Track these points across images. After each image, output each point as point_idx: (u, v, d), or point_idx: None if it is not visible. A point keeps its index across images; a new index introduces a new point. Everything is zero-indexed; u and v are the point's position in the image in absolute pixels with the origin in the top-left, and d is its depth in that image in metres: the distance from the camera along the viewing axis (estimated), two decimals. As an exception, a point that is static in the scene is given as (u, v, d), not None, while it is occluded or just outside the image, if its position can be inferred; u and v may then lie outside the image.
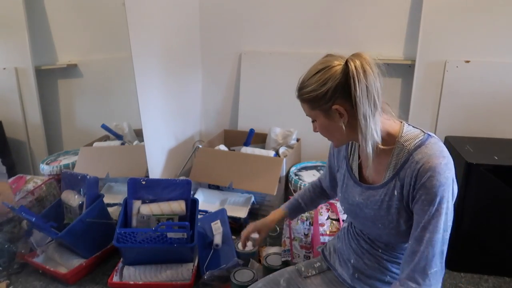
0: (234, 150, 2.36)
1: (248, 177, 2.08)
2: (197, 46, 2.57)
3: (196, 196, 2.10)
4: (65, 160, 2.30)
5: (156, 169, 2.15)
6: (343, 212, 1.60)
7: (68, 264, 1.64)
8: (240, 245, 1.42)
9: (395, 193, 0.90)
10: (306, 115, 0.97)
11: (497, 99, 2.03)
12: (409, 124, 0.93)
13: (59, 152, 2.45)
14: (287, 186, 2.19)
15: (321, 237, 1.54)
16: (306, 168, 2.30)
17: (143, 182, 1.66)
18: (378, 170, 0.95)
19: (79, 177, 1.73)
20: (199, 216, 1.70)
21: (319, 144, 2.11)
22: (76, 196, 1.72)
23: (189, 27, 2.46)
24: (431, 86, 2.13)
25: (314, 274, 1.15)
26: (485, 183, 1.54)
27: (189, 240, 1.52)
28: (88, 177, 1.70)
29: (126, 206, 1.64)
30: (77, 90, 2.47)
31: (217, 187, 2.20)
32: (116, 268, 1.59)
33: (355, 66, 0.82)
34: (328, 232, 1.56)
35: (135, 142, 2.34)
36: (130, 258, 1.58)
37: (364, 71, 0.82)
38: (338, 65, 0.86)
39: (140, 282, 1.52)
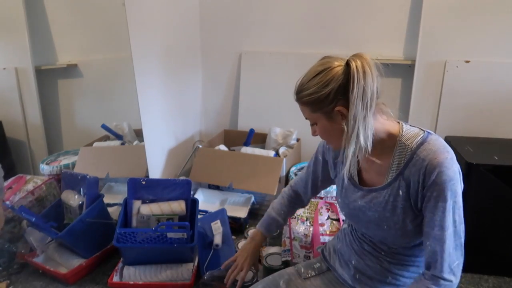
0: (234, 150, 2.36)
1: (248, 177, 2.08)
2: (197, 46, 2.57)
3: (196, 196, 2.10)
4: (65, 160, 2.30)
5: (156, 169, 2.15)
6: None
7: (68, 264, 1.64)
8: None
9: (400, 192, 0.89)
10: (306, 118, 0.95)
11: (497, 99, 2.03)
12: (406, 124, 0.93)
13: (59, 152, 2.45)
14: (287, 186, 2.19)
15: (321, 237, 1.54)
16: (306, 168, 2.30)
17: (143, 182, 1.66)
18: (379, 171, 0.94)
19: (79, 177, 1.73)
20: (199, 216, 1.70)
21: (319, 144, 2.11)
22: (76, 196, 1.72)
23: (189, 27, 2.46)
24: (431, 86, 2.13)
25: (314, 275, 1.14)
26: (485, 183, 1.54)
27: (189, 240, 1.52)
28: (88, 177, 1.70)
29: (126, 206, 1.64)
30: (77, 90, 2.47)
31: (217, 187, 2.20)
32: (116, 268, 1.59)
33: (356, 66, 0.81)
34: (328, 232, 1.56)
35: (135, 142, 2.34)
36: (130, 258, 1.58)
37: (364, 72, 0.81)
38: (338, 66, 0.85)
39: (140, 282, 1.52)
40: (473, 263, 1.65)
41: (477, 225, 1.61)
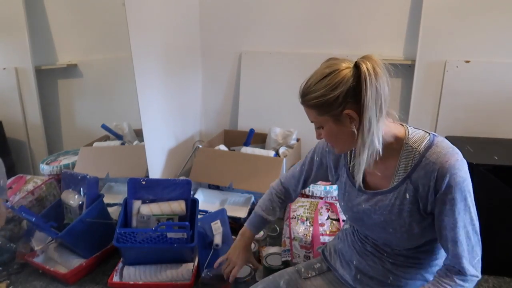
0: (234, 150, 2.36)
1: (248, 177, 2.08)
2: (197, 46, 2.57)
3: (196, 196, 2.10)
4: (65, 160, 2.30)
5: (156, 169, 2.15)
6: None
7: (68, 264, 1.64)
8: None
9: (407, 196, 0.88)
10: (311, 121, 0.93)
11: (497, 99, 2.03)
12: (410, 126, 0.93)
13: (59, 152, 2.45)
14: (287, 186, 2.19)
15: (321, 237, 1.54)
16: (306, 168, 2.30)
17: (143, 182, 1.66)
18: (384, 174, 0.93)
19: (79, 177, 1.73)
20: (199, 216, 1.70)
21: (319, 144, 2.11)
22: (76, 196, 1.72)
23: (189, 27, 2.46)
24: (431, 86, 2.13)
25: (314, 275, 1.14)
26: (485, 183, 1.54)
27: (189, 240, 1.52)
28: (88, 177, 1.70)
29: (126, 206, 1.64)
30: (77, 90, 2.47)
31: (217, 187, 2.20)
32: (116, 268, 1.59)
33: (367, 68, 0.80)
34: (328, 232, 1.56)
35: (135, 142, 2.34)
36: (130, 258, 1.58)
37: (376, 74, 0.80)
38: (347, 68, 0.83)
39: (140, 282, 1.52)
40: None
41: (477, 225, 1.61)
